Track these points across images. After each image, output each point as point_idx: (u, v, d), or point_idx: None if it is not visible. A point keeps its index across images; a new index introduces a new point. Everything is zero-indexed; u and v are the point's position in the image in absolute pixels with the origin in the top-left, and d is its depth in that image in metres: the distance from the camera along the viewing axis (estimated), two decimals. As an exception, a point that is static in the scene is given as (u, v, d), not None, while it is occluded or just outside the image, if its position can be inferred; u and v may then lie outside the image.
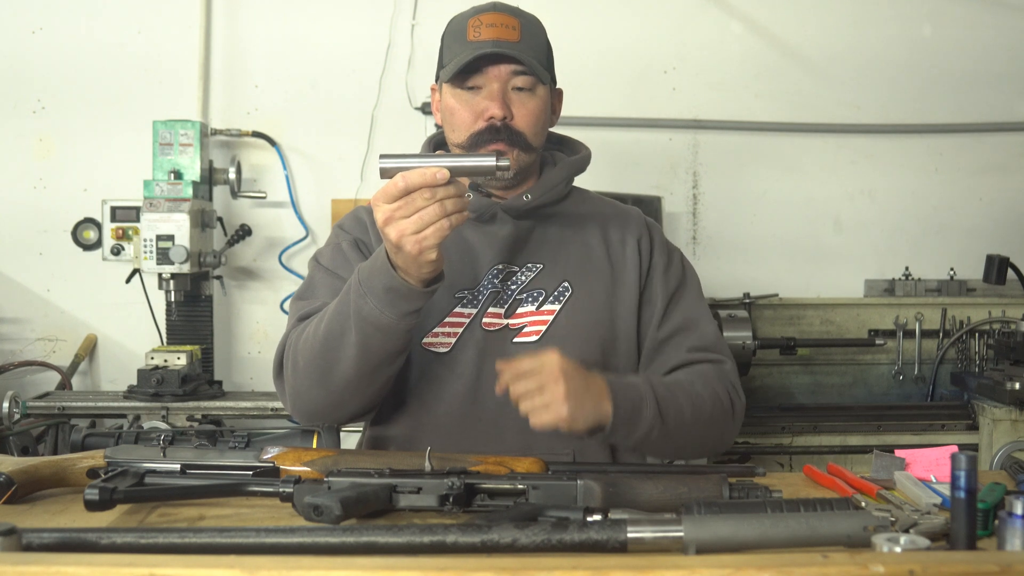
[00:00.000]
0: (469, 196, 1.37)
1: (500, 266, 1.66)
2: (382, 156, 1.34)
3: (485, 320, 1.63)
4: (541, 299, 1.65)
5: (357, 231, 1.70)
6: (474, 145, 1.61)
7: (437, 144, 1.77)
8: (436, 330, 1.62)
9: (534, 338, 1.62)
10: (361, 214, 1.74)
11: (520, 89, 1.62)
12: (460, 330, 1.62)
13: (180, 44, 3.44)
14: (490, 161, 1.35)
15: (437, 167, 1.31)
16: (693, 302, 1.73)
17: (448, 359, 1.61)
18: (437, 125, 1.75)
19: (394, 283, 1.39)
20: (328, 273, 1.65)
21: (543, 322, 1.63)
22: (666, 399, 1.53)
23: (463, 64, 1.58)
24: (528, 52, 1.60)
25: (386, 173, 1.33)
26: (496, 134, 1.60)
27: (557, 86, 1.74)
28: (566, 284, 1.66)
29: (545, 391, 1.37)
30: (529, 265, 1.67)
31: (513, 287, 1.65)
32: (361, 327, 1.43)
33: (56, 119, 3.44)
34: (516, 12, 1.65)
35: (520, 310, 1.64)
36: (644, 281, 1.71)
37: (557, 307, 1.64)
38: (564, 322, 1.63)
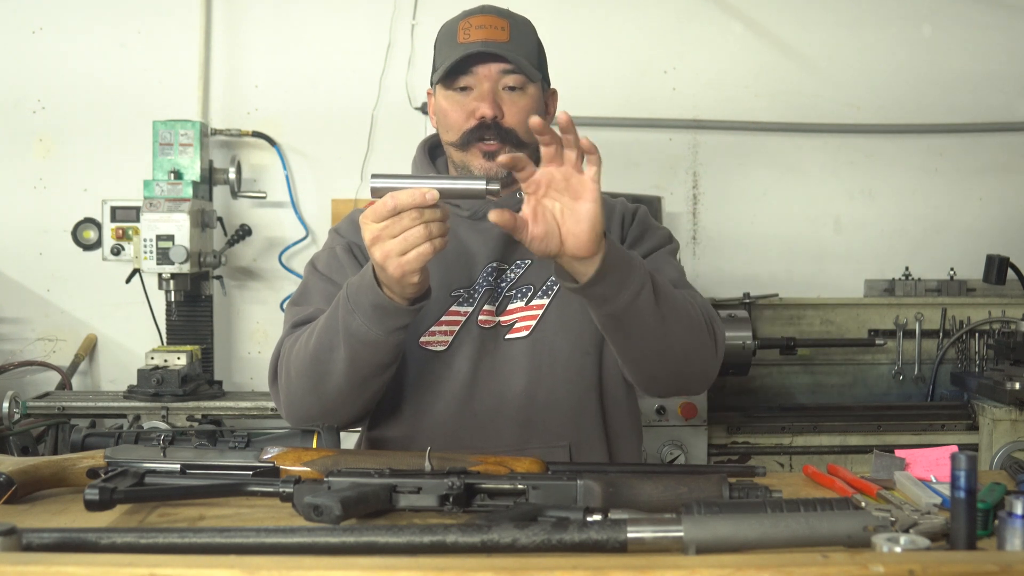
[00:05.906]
0: (448, 225, 1.36)
1: (494, 264, 1.66)
2: (374, 176, 1.35)
3: (481, 318, 1.63)
4: (530, 294, 1.65)
5: (352, 234, 1.70)
6: (466, 143, 1.62)
7: (431, 147, 1.78)
8: (433, 328, 1.62)
9: (524, 333, 1.63)
10: (358, 217, 1.73)
11: (511, 88, 1.62)
12: (457, 328, 1.62)
13: (180, 44, 3.44)
14: (480, 184, 1.35)
15: (427, 188, 1.31)
16: (662, 257, 1.68)
17: (445, 357, 1.62)
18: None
19: (380, 300, 1.40)
20: (322, 278, 1.66)
21: (533, 316, 1.64)
22: (653, 274, 1.45)
23: (451, 64, 1.59)
24: (517, 51, 1.61)
25: (377, 192, 1.34)
26: (487, 132, 1.61)
27: (552, 87, 1.74)
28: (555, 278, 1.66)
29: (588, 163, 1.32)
30: (519, 261, 1.67)
31: (503, 284, 1.66)
32: (350, 342, 1.45)
33: (56, 119, 3.44)
34: (505, 14, 1.66)
35: (510, 306, 1.65)
36: None
37: (546, 301, 1.64)
38: (554, 315, 1.64)
